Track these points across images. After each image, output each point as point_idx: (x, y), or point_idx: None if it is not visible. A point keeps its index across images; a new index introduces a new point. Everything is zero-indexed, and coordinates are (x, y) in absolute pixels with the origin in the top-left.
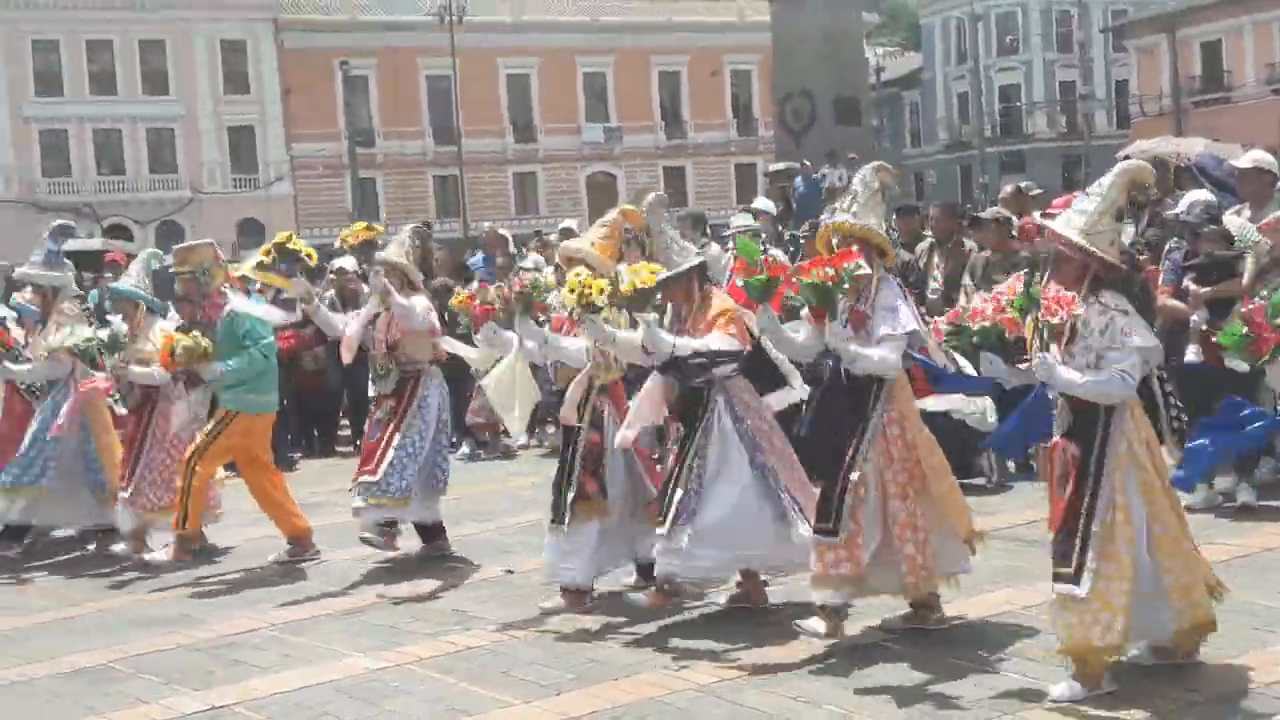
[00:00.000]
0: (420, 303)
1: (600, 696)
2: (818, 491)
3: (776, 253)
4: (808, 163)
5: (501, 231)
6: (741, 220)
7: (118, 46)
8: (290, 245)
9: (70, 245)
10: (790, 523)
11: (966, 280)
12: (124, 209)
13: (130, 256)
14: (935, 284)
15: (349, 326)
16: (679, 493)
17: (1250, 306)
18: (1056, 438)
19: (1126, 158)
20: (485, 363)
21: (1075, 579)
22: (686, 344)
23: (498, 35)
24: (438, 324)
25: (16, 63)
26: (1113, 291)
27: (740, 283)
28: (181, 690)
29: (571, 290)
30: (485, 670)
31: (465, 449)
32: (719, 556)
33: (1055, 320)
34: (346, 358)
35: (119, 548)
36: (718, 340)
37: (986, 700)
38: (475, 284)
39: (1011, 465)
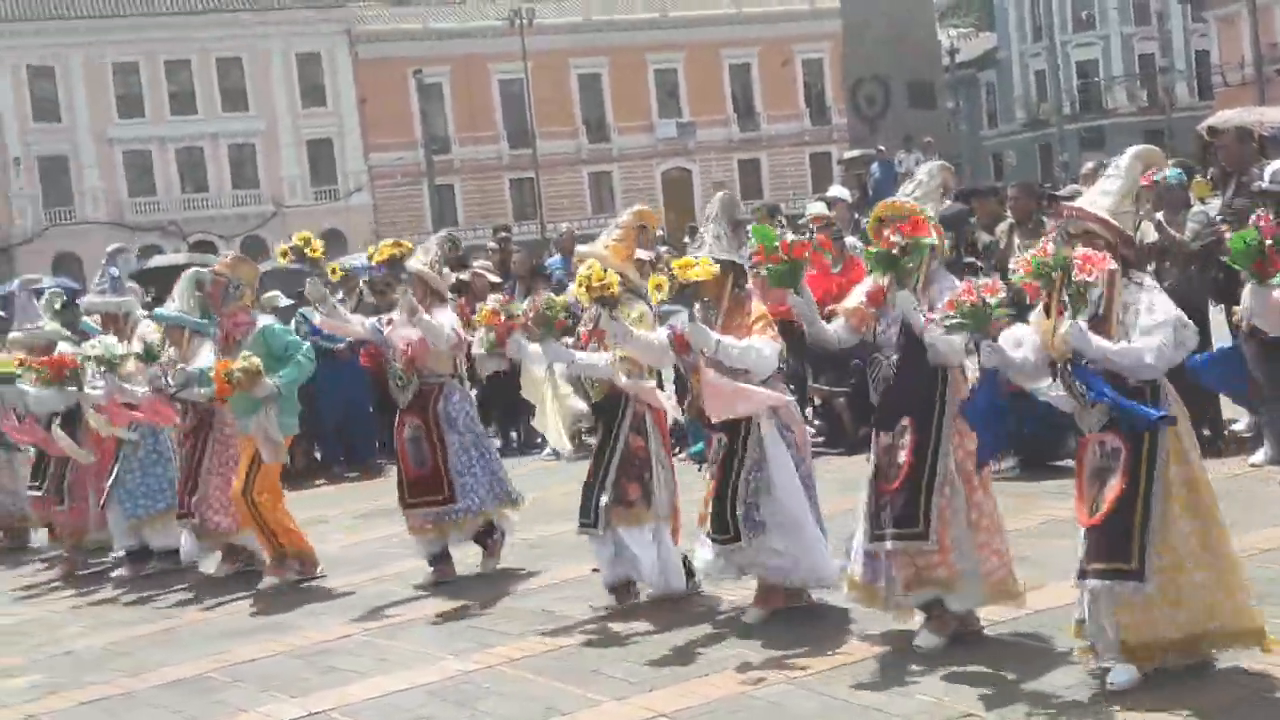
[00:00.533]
0: (448, 319)
1: (692, 693)
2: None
3: (852, 240)
4: (883, 148)
5: (577, 234)
6: (816, 209)
7: (196, 65)
8: (307, 250)
9: (156, 261)
10: (824, 540)
11: None
12: (209, 225)
13: None
14: (1016, 259)
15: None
16: (740, 508)
17: (1266, 223)
18: (1090, 432)
19: (1210, 129)
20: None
21: (1140, 575)
22: (731, 344)
23: (568, 36)
24: (462, 336)
25: (98, 87)
26: (1139, 270)
27: (762, 272)
28: (280, 697)
29: (580, 285)
30: (576, 669)
31: (549, 449)
32: (791, 554)
33: (1090, 278)
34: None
35: (220, 571)
36: (761, 343)
37: (1076, 687)
38: (502, 297)
39: None
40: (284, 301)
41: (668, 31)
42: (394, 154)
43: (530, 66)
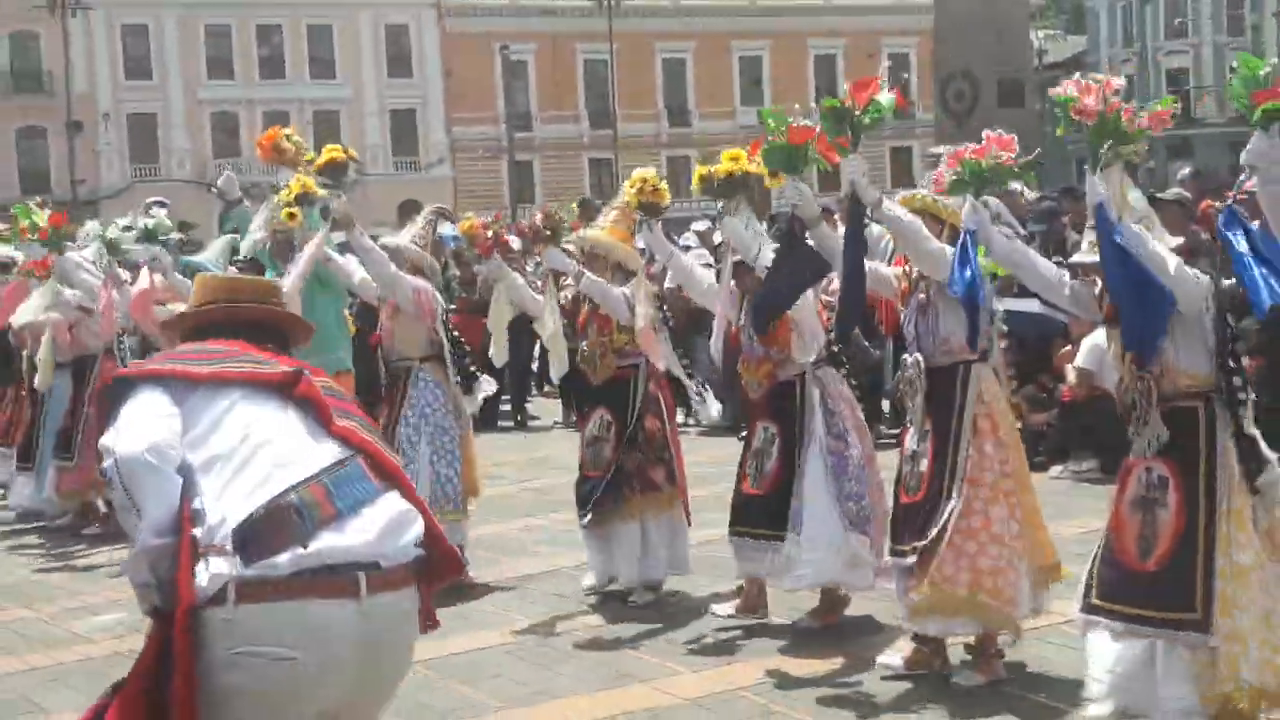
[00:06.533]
0: (411, 281)
1: (770, 668)
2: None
3: None
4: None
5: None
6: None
7: (287, 31)
8: (337, 156)
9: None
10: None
11: None
12: None
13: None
14: None
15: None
16: (794, 503)
17: None
18: (1136, 456)
19: None
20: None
21: (1204, 627)
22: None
23: (654, 19)
24: (435, 309)
25: (191, 48)
26: None
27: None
28: None
29: (633, 186)
30: (655, 639)
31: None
32: (818, 562)
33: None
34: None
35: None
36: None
37: None
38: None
39: None
40: None
41: (755, 19)
42: (476, 128)
43: (615, 48)
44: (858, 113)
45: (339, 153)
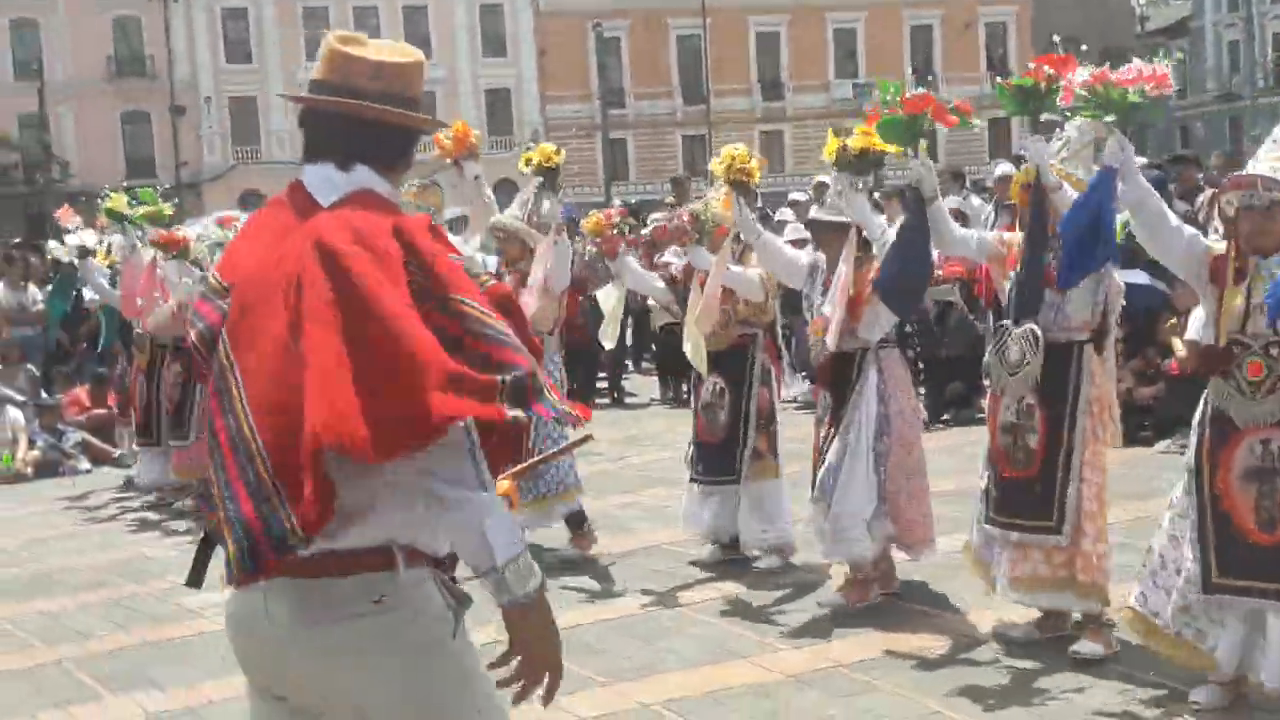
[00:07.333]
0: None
1: (866, 644)
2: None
3: None
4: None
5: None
6: (1005, 169)
7: (383, 11)
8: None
9: None
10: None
11: None
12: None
13: None
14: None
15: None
16: (821, 470)
17: None
18: (1252, 425)
19: None
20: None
21: None
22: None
23: None
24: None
25: (289, 30)
26: None
27: (875, 128)
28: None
29: (722, 163)
30: (755, 615)
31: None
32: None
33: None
34: None
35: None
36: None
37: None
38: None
39: None
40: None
41: None
42: (570, 106)
43: (709, 23)
44: (1047, 91)
45: (554, 156)
